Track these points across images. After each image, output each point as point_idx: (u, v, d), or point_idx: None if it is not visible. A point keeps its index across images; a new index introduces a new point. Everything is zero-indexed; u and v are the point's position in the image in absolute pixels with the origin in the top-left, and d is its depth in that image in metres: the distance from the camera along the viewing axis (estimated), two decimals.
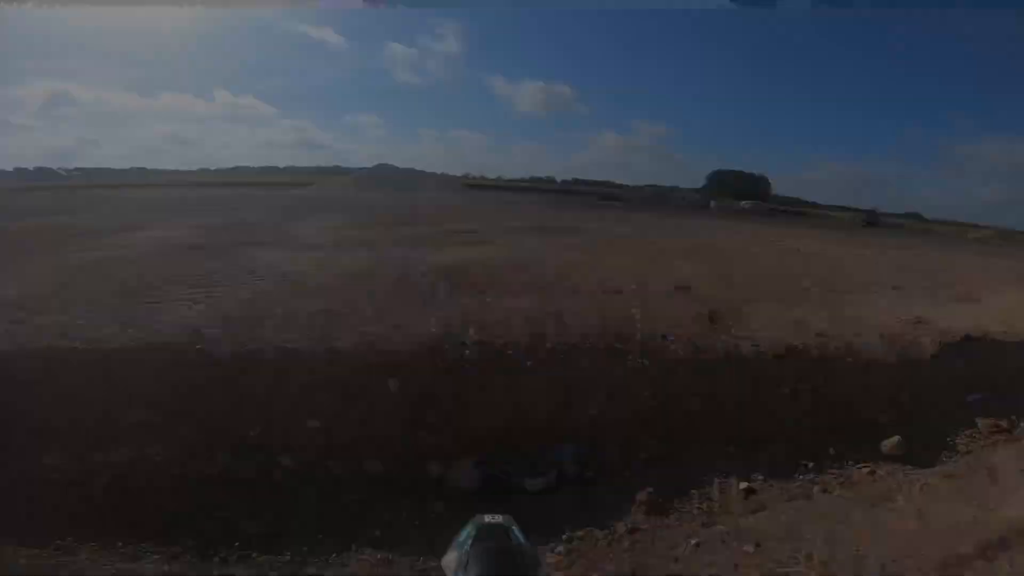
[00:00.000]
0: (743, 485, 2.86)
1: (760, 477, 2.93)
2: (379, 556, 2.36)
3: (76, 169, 44.56)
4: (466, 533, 0.66)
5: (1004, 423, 3.45)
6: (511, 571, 0.61)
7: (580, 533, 2.48)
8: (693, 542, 2.36)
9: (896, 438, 3.20)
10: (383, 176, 31.02)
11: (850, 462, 3.09)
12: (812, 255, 9.11)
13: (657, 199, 34.07)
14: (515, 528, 0.68)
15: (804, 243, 11.26)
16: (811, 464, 3.05)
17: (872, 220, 29.77)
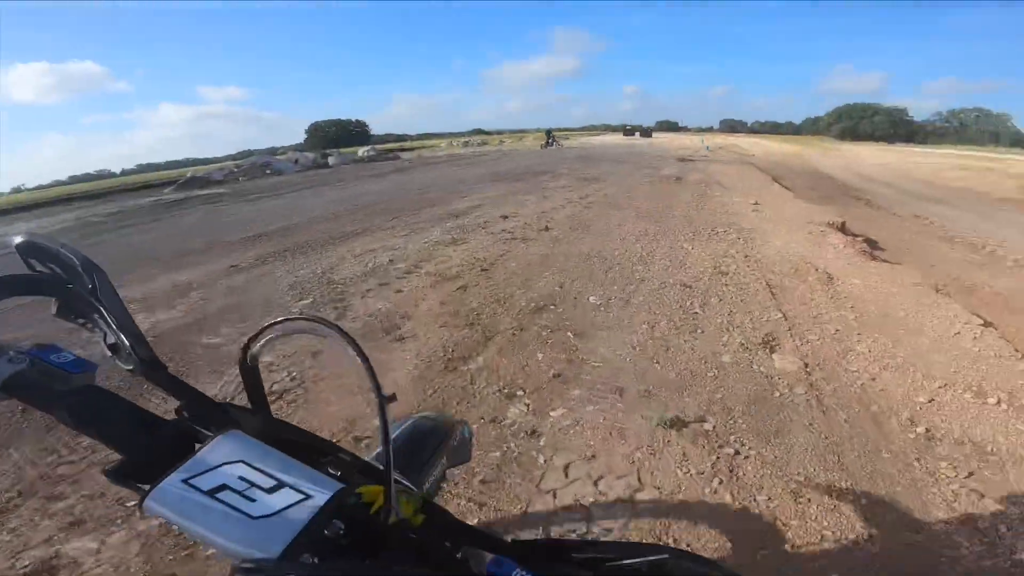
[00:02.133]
0: None
1: None
2: None
3: None
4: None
5: None
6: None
7: None
8: None
9: None
10: None
11: None
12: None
13: (263, 170, 27.94)
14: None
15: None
16: None
17: (551, 141, 30.57)
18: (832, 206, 9.84)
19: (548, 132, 33.87)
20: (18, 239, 0.55)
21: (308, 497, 0.44)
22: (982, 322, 3.88)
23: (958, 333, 3.63)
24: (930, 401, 2.80)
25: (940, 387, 2.93)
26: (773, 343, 3.48)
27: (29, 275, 0.56)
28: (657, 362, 3.22)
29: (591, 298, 4.34)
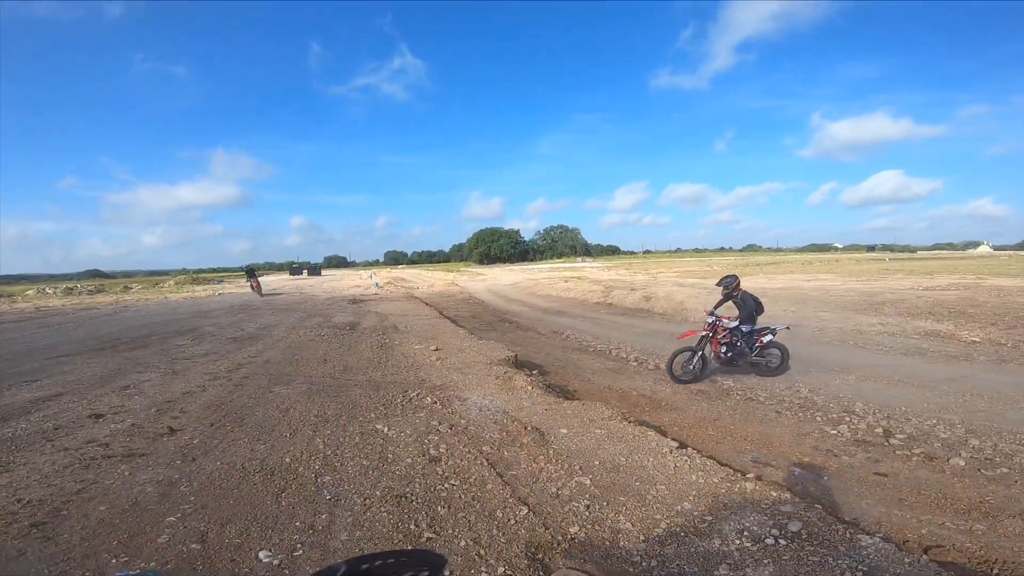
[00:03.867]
0: None
1: None
2: None
3: None
4: None
5: None
6: None
7: None
8: None
9: None
10: None
11: None
12: None
13: None
14: None
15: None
16: None
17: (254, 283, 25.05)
18: (495, 334, 10.79)
19: (251, 272, 27.07)
20: None
21: None
22: (677, 443, 4.12)
23: (677, 467, 3.63)
24: (729, 567, 2.48)
25: (720, 546, 2.67)
26: (541, 556, 2.63)
27: None
28: None
29: (262, 555, 2.61)
